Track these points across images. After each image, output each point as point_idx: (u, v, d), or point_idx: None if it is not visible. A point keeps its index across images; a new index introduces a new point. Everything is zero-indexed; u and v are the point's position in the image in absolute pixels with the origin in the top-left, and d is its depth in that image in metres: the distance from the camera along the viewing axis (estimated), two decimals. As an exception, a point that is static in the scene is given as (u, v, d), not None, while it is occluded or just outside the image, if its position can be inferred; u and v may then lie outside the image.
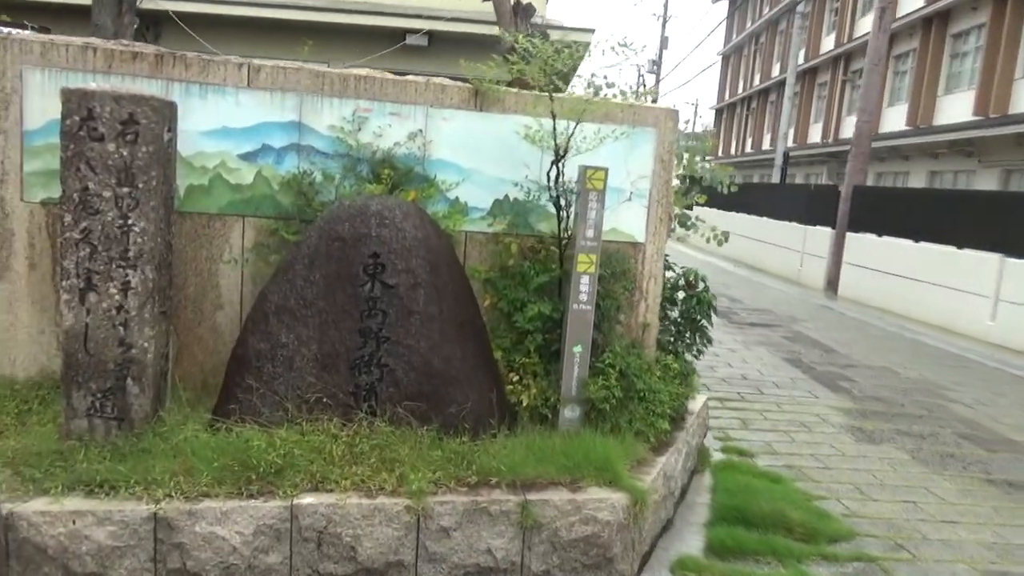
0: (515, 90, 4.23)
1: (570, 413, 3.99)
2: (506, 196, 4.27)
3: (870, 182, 19.20)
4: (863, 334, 10.90)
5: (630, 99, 4.26)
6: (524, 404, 3.95)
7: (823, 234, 15.81)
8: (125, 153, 3.24)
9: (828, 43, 29.60)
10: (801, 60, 25.00)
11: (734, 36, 43.08)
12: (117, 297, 3.31)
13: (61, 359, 3.37)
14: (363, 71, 4.11)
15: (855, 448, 5.77)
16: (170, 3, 9.60)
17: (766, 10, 36.61)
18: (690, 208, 5.23)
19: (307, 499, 3.16)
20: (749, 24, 40.15)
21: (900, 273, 12.94)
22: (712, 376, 7.57)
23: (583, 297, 3.91)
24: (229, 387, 3.61)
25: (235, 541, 3.07)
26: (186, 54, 3.89)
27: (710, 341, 5.08)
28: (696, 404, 4.89)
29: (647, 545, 3.80)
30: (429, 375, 3.63)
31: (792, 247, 17.37)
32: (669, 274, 5.02)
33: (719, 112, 46.49)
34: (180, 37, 9.51)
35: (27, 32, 4.20)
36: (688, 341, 4.98)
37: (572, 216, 4.04)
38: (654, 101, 9.34)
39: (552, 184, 4.00)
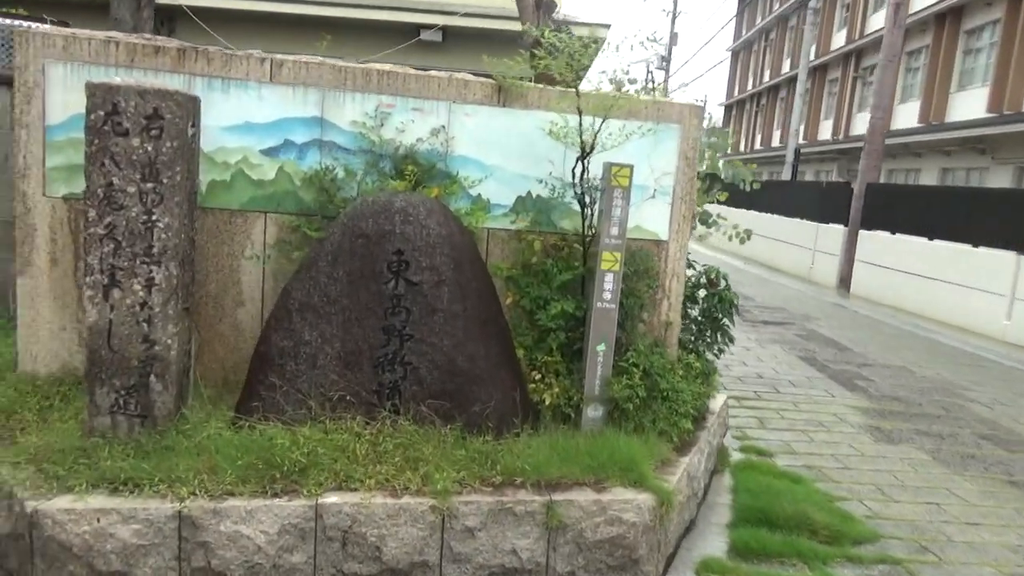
0: (539, 86, 4.18)
1: (593, 412, 3.96)
2: (528, 193, 4.23)
3: (881, 179, 19.06)
4: (877, 332, 10.83)
5: (656, 95, 4.20)
6: (547, 403, 3.92)
7: (835, 231, 15.72)
8: (150, 148, 3.21)
9: (839, 39, 29.41)
10: (812, 56, 24.83)
11: (743, 32, 42.87)
12: (141, 293, 3.29)
13: (85, 356, 3.35)
14: (386, 66, 4.07)
15: (874, 448, 5.72)
16: (184, -3, 9.59)
17: (776, 6, 36.40)
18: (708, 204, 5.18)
19: (332, 498, 3.14)
20: (759, 20, 39.93)
21: (914, 271, 12.86)
22: (728, 374, 7.51)
23: (607, 295, 3.87)
24: (252, 384, 3.59)
25: (260, 540, 3.05)
26: (208, 48, 3.86)
27: (732, 340, 5.03)
28: (716, 403, 4.86)
29: (671, 546, 3.77)
30: (453, 373, 3.60)
31: (804, 244, 17.28)
32: (689, 272, 4.97)
33: (728, 108, 46.30)
34: (193, 32, 9.48)
35: (47, 26, 4.16)
36: (709, 340, 4.94)
37: (596, 213, 3.99)
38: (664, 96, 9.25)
39: (577, 181, 3.95)
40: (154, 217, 3.25)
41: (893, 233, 13.67)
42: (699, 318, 4.99)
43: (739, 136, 42.79)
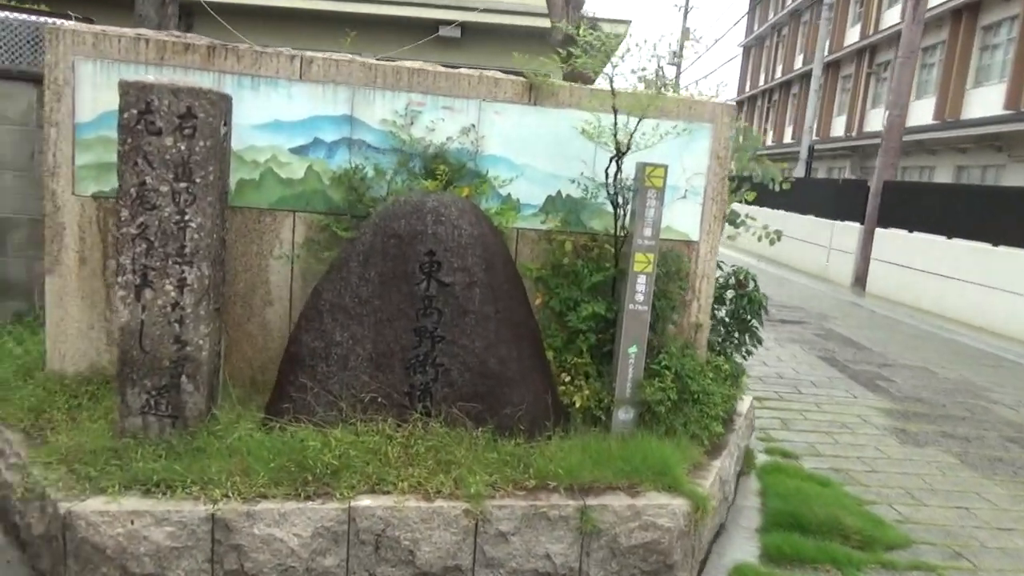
0: (570, 84, 4.13)
1: (624, 415, 3.92)
2: (558, 192, 4.19)
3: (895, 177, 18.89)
4: (895, 332, 10.74)
5: (692, 94, 4.14)
6: (577, 405, 3.88)
7: (851, 229, 15.60)
8: (183, 147, 3.18)
9: (853, 35, 29.19)
10: (825, 52, 24.63)
11: (756, 27, 42.61)
12: (173, 294, 3.27)
13: (116, 356, 3.33)
14: (415, 64, 4.03)
15: (900, 451, 5.66)
16: (202, -7, 9.56)
17: (788, 1, 36.15)
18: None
19: (364, 501, 3.11)
20: (771, 15, 39.68)
21: (931, 270, 12.74)
22: (748, 374, 7.44)
23: (639, 297, 3.82)
24: (282, 385, 3.56)
25: (293, 543, 3.03)
26: (238, 46, 3.82)
27: (760, 342, 4.98)
28: (743, 405, 4.81)
29: (703, 552, 3.73)
30: (484, 376, 3.56)
31: (819, 242, 17.16)
32: (717, 273, 4.91)
33: (740, 104, 46.03)
34: (211, 28, 9.45)
35: (77, 23, 4.14)
36: (737, 341, 4.88)
37: (628, 214, 3.94)
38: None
39: (610, 181, 3.90)
40: (187, 217, 3.23)
41: (910, 231, 13.54)
42: (726, 319, 4.94)
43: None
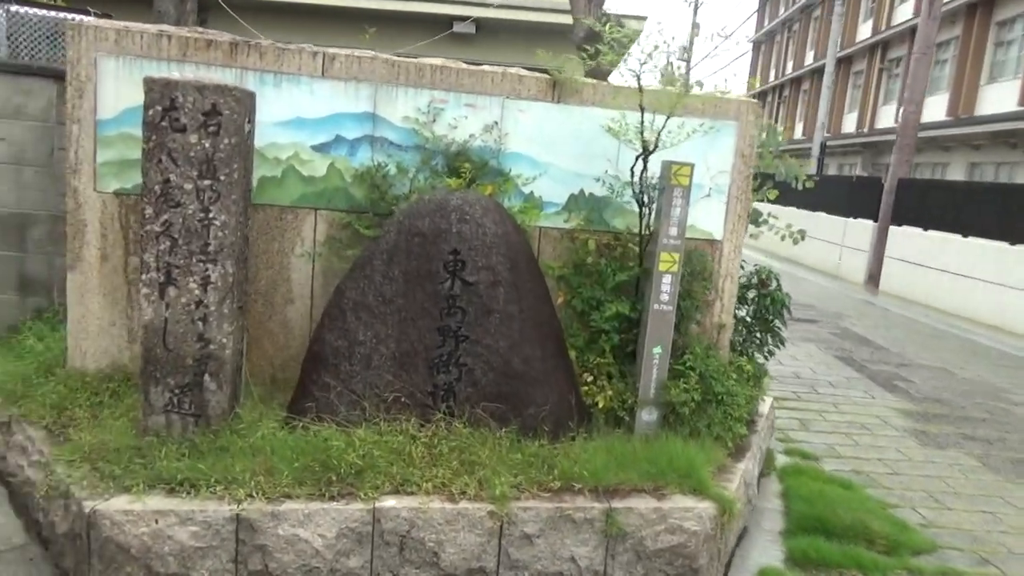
0: (594, 81, 4.08)
1: (647, 416, 3.88)
2: (581, 191, 4.15)
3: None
4: (911, 331, 10.65)
5: (720, 91, 4.09)
6: (600, 406, 3.84)
7: (864, 227, 15.48)
8: (207, 145, 3.15)
9: (864, 31, 28.97)
10: (837, 48, 24.45)
11: (766, 22, 42.36)
12: (197, 292, 3.24)
13: (140, 354, 3.31)
14: (438, 61, 3.99)
15: (922, 453, 5.60)
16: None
17: (800, -4, 35.92)
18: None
19: (389, 502, 3.08)
20: (782, 10, 39.42)
21: (947, 268, 12.63)
22: (770, 376, 7.40)
23: (664, 297, 3.78)
24: (305, 384, 3.54)
25: (317, 544, 3.00)
26: (260, 42, 3.79)
27: (783, 342, 4.93)
28: (764, 406, 4.76)
29: (728, 555, 3.69)
30: (508, 375, 3.53)
31: (831, 240, 17.04)
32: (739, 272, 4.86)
33: (749, 100, 45.75)
34: (225, 24, 9.40)
35: (99, 20, 4.11)
36: (759, 341, 4.83)
37: (653, 212, 3.90)
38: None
39: (636, 179, 3.86)
40: (211, 215, 3.20)
41: (925, 229, 13.43)
42: (748, 319, 4.89)
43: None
